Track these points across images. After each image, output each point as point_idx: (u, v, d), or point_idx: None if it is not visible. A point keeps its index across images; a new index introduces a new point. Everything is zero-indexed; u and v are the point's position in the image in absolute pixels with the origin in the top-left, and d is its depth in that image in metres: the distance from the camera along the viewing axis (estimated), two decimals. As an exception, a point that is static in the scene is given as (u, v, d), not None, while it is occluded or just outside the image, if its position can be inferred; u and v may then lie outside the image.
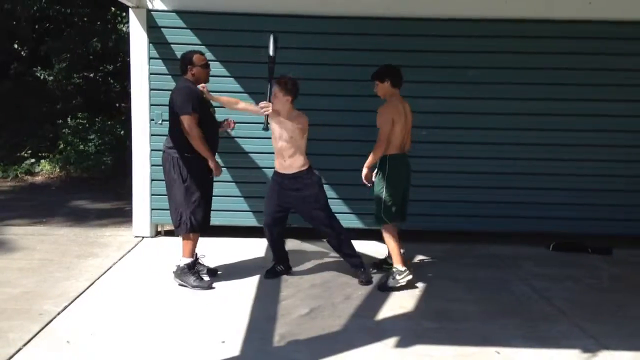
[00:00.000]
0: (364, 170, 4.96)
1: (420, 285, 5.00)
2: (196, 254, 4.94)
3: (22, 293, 4.53)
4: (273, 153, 5.99)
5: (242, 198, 6.26)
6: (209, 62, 5.49)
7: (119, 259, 5.45)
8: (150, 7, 5.94)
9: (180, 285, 4.74)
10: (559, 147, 6.29)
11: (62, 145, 10.64)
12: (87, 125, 11.00)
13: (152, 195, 6.15)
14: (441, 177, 6.31)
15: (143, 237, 6.18)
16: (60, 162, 10.33)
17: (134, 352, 3.60)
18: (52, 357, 3.52)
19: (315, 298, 4.62)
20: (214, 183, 4.97)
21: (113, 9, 10.25)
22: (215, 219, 6.07)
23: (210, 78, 5.83)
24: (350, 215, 6.29)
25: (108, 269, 5.16)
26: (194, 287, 4.68)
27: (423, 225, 6.36)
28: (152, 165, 6.11)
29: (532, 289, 4.99)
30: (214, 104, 4.94)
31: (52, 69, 11.69)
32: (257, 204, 6.15)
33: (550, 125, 6.26)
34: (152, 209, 6.17)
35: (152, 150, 6.09)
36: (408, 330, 4.06)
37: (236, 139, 6.11)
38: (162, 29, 5.98)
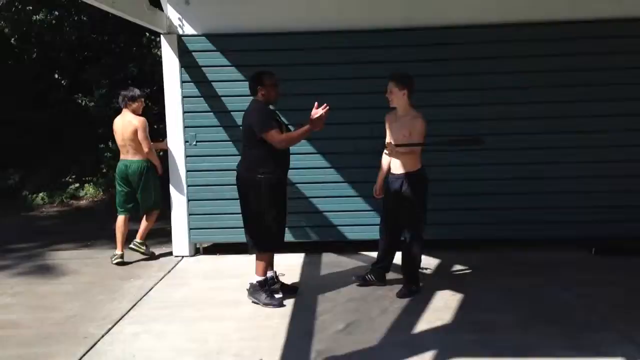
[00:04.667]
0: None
1: (456, 295, 4.96)
2: (275, 272, 5.06)
3: (67, 317, 4.68)
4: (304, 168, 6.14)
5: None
6: (238, 82, 5.67)
7: (160, 280, 5.57)
8: (180, 32, 6.09)
9: (253, 302, 4.84)
10: (597, 149, 6.17)
11: (104, 169, 10.93)
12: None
13: (190, 215, 6.27)
14: (473, 184, 6.25)
15: (183, 257, 6.30)
16: (103, 185, 10.61)
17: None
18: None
19: (352, 312, 4.64)
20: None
21: (148, 34, 10.51)
22: (236, 236, 6.25)
23: (241, 97, 6.04)
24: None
25: (149, 290, 5.28)
26: (265, 304, 4.78)
27: (457, 235, 6.33)
28: (188, 186, 6.24)
29: (573, 296, 4.89)
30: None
31: (93, 95, 12.03)
32: (289, 220, 6.20)
33: (587, 127, 6.14)
34: (190, 229, 6.29)
35: (187, 171, 6.23)
36: (446, 343, 4.02)
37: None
38: (192, 52, 6.11)
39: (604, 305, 4.65)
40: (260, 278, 4.85)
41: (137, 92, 6.24)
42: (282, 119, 5.04)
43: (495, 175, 6.23)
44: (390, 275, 5.31)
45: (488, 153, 6.14)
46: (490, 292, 5.05)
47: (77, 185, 10.84)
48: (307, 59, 6.13)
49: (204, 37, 6.10)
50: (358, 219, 6.24)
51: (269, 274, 5.00)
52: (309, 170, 6.23)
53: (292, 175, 6.12)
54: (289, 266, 5.82)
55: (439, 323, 4.40)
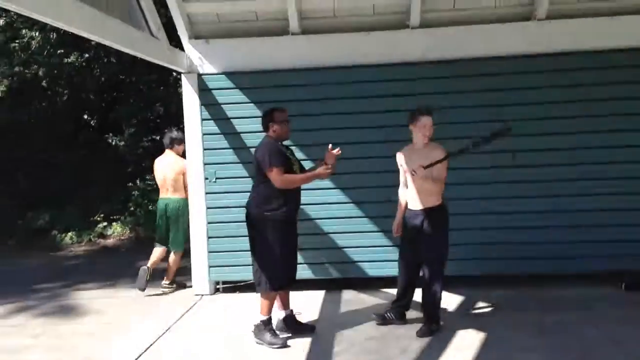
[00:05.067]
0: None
1: (481, 335, 4.79)
2: (292, 310, 5.00)
3: (85, 358, 4.65)
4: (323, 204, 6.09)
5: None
6: (257, 118, 5.67)
7: (178, 319, 5.52)
8: (200, 71, 6.16)
9: (257, 343, 4.77)
10: (627, 180, 5.98)
11: (132, 207, 11.04)
12: (155, 186, 11.38)
13: (210, 252, 6.24)
14: (497, 218, 6.08)
15: (202, 295, 6.25)
16: (130, 224, 10.70)
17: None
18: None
19: (370, 353, 4.50)
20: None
21: (174, 73, 10.73)
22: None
23: (259, 134, 6.02)
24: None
25: (167, 330, 5.22)
26: (269, 344, 4.69)
27: (479, 270, 6.16)
28: (208, 223, 6.23)
29: (603, 333, 4.68)
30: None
31: (123, 134, 12.28)
32: (307, 256, 6.18)
33: (618, 157, 5.97)
34: (210, 266, 6.25)
35: (207, 208, 6.22)
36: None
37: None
38: (212, 90, 6.17)
39: (635, 344, 4.43)
40: (265, 317, 4.78)
41: (182, 135, 6.53)
42: (296, 155, 5.02)
43: (520, 208, 6.07)
44: (411, 314, 5.16)
45: (514, 186, 6.05)
46: (518, 329, 4.86)
47: (105, 224, 10.95)
48: (323, 94, 6.13)
49: (223, 75, 6.16)
50: (379, 255, 6.12)
51: (284, 312, 4.92)
52: (328, 205, 6.18)
53: (311, 210, 6.16)
54: (307, 304, 5.72)
55: (461, 363, 4.25)
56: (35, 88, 11.24)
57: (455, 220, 5.89)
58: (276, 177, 4.56)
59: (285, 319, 4.99)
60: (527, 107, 6.00)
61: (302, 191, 5.96)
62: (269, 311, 4.80)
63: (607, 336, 4.61)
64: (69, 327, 5.51)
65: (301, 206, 6.03)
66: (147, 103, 10.97)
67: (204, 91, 6.17)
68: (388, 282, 5.94)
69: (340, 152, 4.80)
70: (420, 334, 4.80)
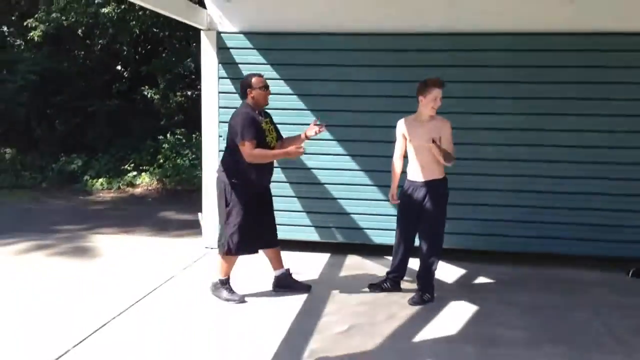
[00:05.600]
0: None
1: (473, 308, 4.83)
2: (288, 269, 5.11)
3: (86, 295, 4.89)
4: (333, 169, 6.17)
5: (304, 213, 6.35)
6: (273, 80, 5.74)
7: (182, 270, 5.71)
8: (220, 29, 6.22)
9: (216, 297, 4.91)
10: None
11: (161, 160, 11.33)
12: (184, 140, 11.64)
13: (220, 208, 6.39)
14: (512, 195, 6.06)
15: (212, 248, 6.42)
16: (158, 175, 10.99)
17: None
18: None
19: (358, 316, 4.61)
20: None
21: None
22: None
23: (275, 96, 6.09)
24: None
25: (168, 280, 5.41)
26: (226, 300, 4.82)
27: (490, 246, 6.17)
28: (220, 180, 6.37)
29: (595, 317, 4.67)
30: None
31: (158, 87, 12.51)
32: (318, 219, 6.29)
33: (628, 143, 5.86)
34: (220, 222, 6.41)
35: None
36: (443, 354, 3.96)
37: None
38: (230, 49, 6.23)
39: (623, 329, 4.42)
40: (222, 278, 4.88)
41: None
42: (274, 123, 5.00)
43: (535, 187, 6.02)
44: (411, 285, 5.20)
45: (527, 164, 6.00)
46: (509, 306, 4.89)
47: (134, 173, 11.28)
48: (340, 60, 6.13)
49: (241, 35, 6.21)
50: (385, 224, 6.16)
51: (277, 272, 5.06)
52: (339, 171, 6.24)
53: (322, 175, 6.25)
54: (311, 265, 5.85)
55: (443, 333, 4.31)
56: (72, 36, 11.48)
57: (467, 195, 6.01)
58: (246, 150, 4.55)
59: (279, 278, 5.10)
60: (563, 85, 5.91)
61: (313, 155, 6.12)
62: (227, 272, 4.87)
63: (598, 321, 4.60)
64: (76, 269, 5.76)
65: (312, 170, 6.25)
66: (179, 58, 11.12)
67: (222, 49, 6.24)
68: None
69: (323, 129, 4.84)
70: (412, 302, 4.87)
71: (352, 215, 6.28)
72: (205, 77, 6.31)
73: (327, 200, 6.28)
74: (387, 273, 5.24)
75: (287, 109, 6.19)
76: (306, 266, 5.80)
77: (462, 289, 5.35)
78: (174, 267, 5.77)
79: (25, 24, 11.10)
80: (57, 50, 11.52)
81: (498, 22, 5.88)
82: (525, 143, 5.99)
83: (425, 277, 4.95)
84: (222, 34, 6.23)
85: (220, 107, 6.30)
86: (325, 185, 6.28)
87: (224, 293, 4.86)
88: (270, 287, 5.11)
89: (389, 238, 6.11)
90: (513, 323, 4.52)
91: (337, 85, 6.14)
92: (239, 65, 6.24)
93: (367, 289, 5.20)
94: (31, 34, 10.99)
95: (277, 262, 5.09)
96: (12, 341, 4.02)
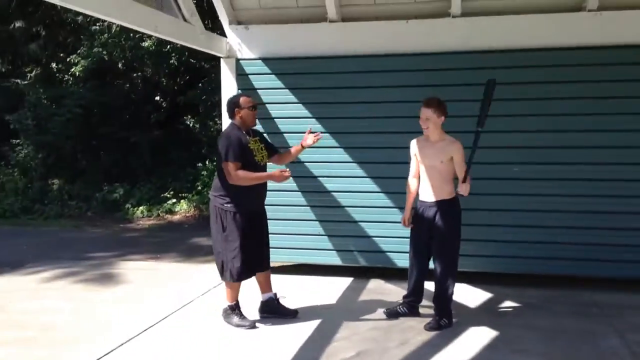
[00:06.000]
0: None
1: (492, 334, 4.63)
2: (275, 294, 5.06)
3: (105, 322, 4.95)
4: (354, 192, 6.10)
5: (326, 237, 6.28)
6: (291, 104, 5.81)
7: (201, 295, 5.70)
8: (239, 56, 6.30)
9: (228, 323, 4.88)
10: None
11: (199, 186, 11.50)
12: (221, 167, 11.77)
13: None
14: (542, 216, 5.82)
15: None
16: (195, 202, 11.15)
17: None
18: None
19: (370, 341, 4.48)
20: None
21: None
22: (298, 257, 6.33)
23: (292, 119, 6.13)
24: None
25: (185, 305, 5.41)
26: (237, 325, 4.78)
27: (519, 269, 5.95)
28: (242, 205, 6.39)
29: (623, 344, 4.40)
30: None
31: (198, 116, 12.78)
32: (340, 243, 6.21)
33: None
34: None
35: (242, 190, 6.38)
36: (450, 381, 3.80)
37: (319, 177, 6.21)
38: (249, 75, 6.29)
39: (651, 357, 4.15)
40: (230, 304, 4.85)
41: None
42: (265, 142, 4.97)
43: (566, 207, 5.78)
44: (429, 310, 5.03)
45: (559, 183, 5.78)
46: (532, 331, 4.67)
47: (174, 200, 11.48)
48: (359, 82, 6.09)
49: (259, 61, 6.26)
50: (408, 247, 6.03)
51: (265, 295, 5.01)
52: (360, 193, 6.16)
53: (342, 198, 6.18)
54: (330, 289, 5.77)
55: (454, 360, 4.15)
56: (113, 70, 11.88)
57: (491, 217, 5.86)
58: (229, 171, 4.50)
59: (265, 302, 5.02)
60: (575, 101, 5.71)
61: (333, 178, 6.08)
62: (234, 298, 4.84)
63: (626, 349, 4.33)
64: (99, 294, 5.86)
65: (333, 193, 6.20)
66: (217, 86, 11.32)
67: (241, 76, 6.30)
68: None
69: (320, 136, 4.85)
70: (428, 327, 4.72)
71: (374, 238, 6.17)
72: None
73: (348, 224, 6.20)
74: (403, 297, 5.10)
75: (304, 132, 6.16)
76: (325, 290, 5.74)
77: (485, 314, 5.15)
78: (194, 292, 5.78)
79: (68, 59, 11.58)
80: (100, 84, 11.93)
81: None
82: (560, 161, 5.78)
83: (441, 301, 4.79)
84: (240, 61, 6.30)
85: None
86: (346, 208, 6.20)
87: (235, 319, 4.83)
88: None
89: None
90: (532, 349, 4.32)
91: (356, 107, 6.09)
92: (258, 91, 6.28)
93: (383, 315, 5.08)
94: (73, 69, 11.45)
95: (266, 286, 5.02)
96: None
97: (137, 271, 6.72)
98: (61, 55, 12.09)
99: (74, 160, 12.48)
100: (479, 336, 4.57)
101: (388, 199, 6.13)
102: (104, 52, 11.10)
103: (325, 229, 6.28)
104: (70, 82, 12.55)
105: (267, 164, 4.93)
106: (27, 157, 12.25)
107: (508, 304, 5.44)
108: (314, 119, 6.19)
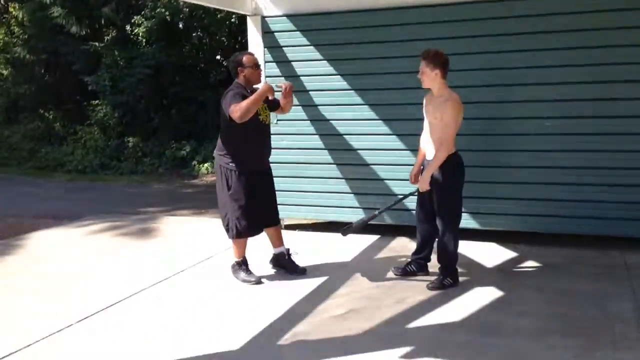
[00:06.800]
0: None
1: (496, 294, 4.52)
2: (288, 249, 5.16)
3: (120, 271, 5.27)
4: (381, 149, 6.01)
5: (352, 194, 6.28)
6: (316, 61, 5.97)
7: (224, 250, 5.84)
8: (264, 13, 6.30)
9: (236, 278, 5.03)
10: None
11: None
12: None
13: (272, 190, 6.51)
14: (566, 173, 5.54)
15: (264, 230, 6.57)
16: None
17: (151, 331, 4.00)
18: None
19: (365, 299, 4.50)
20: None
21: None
22: (324, 215, 6.38)
23: (318, 77, 6.09)
24: (465, 214, 5.89)
25: (204, 260, 5.62)
26: (243, 281, 4.92)
27: (551, 228, 5.71)
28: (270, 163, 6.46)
29: (634, 308, 4.16)
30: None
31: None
32: (366, 201, 6.18)
33: None
34: (272, 204, 6.53)
35: (269, 148, 6.47)
36: (431, 341, 3.77)
37: (344, 135, 6.18)
38: (274, 33, 6.29)
39: (657, 323, 3.90)
40: (237, 259, 4.97)
41: None
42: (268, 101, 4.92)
43: (605, 163, 5.44)
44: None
45: (594, 138, 5.45)
46: (540, 293, 4.51)
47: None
48: (382, 37, 5.93)
49: (285, 17, 6.23)
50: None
51: (279, 249, 5.10)
52: (385, 152, 6.08)
53: (368, 155, 6.12)
54: (352, 246, 5.79)
55: (446, 320, 4.09)
56: (175, 30, 12.20)
57: (521, 174, 5.62)
58: (233, 113, 4.47)
59: (276, 256, 5.14)
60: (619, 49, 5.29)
61: (359, 136, 6.02)
62: (240, 254, 4.96)
63: (632, 311, 4.09)
64: (129, 247, 6.22)
65: (359, 150, 6.15)
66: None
67: (267, 33, 6.31)
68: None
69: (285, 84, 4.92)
70: (431, 286, 4.66)
71: (400, 196, 6.08)
72: (253, 62, 6.42)
73: (374, 181, 6.15)
74: (412, 254, 5.05)
75: (329, 90, 6.15)
76: (345, 248, 5.75)
77: (498, 274, 5.01)
78: (218, 247, 5.98)
79: (132, 20, 12.03)
80: (167, 45, 12.30)
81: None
82: (589, 115, 5.44)
83: (443, 258, 4.71)
84: (266, 18, 6.30)
85: (266, 90, 6.39)
86: (372, 166, 6.15)
87: (241, 274, 4.98)
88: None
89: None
90: (533, 312, 4.17)
91: (381, 63, 5.95)
92: (283, 48, 6.28)
93: (392, 273, 5.05)
94: (136, 30, 11.89)
95: (277, 240, 5.12)
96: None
97: (175, 225, 7.04)
98: (133, 18, 12.52)
99: (147, 119, 13.04)
100: (482, 297, 4.46)
101: (414, 155, 5.99)
102: (167, 13, 11.41)
103: (351, 187, 6.27)
104: (144, 44, 13.01)
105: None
106: (106, 117, 12.93)
107: (528, 263, 5.26)
108: (339, 76, 6.12)
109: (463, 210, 5.75)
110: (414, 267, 4.99)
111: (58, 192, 9.92)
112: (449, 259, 4.70)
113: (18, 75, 15.07)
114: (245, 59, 4.81)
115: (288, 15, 6.23)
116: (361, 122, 6.13)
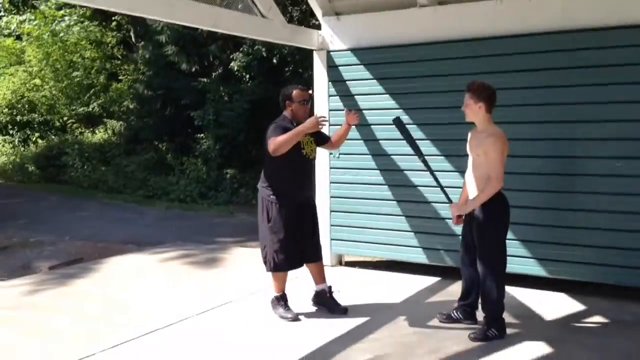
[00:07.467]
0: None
1: (544, 350, 4.11)
2: (330, 287, 5.03)
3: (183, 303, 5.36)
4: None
5: (412, 233, 6.01)
6: (379, 95, 5.96)
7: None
8: (330, 47, 6.28)
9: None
10: None
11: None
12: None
13: (332, 225, 6.40)
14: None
15: (325, 266, 6.42)
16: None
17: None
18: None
19: (398, 345, 4.24)
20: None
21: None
22: (383, 253, 6.16)
23: (381, 111, 5.97)
24: (531, 260, 5.44)
25: (255, 292, 5.56)
26: (281, 317, 4.82)
27: (628, 281, 5.14)
28: (331, 197, 6.39)
29: None
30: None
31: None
32: (427, 240, 5.90)
33: None
34: (332, 239, 6.41)
35: (331, 182, 6.38)
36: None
37: (405, 171, 5.96)
38: (339, 67, 6.24)
39: None
40: (276, 294, 4.87)
41: None
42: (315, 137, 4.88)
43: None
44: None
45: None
46: (592, 354, 4.02)
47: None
48: (449, 70, 5.69)
49: (349, 52, 6.17)
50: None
51: (321, 287, 4.95)
52: (446, 189, 5.76)
53: (428, 192, 5.87)
54: (407, 287, 5.55)
55: (476, 376, 3.75)
56: (270, 67, 12.51)
57: (591, 218, 5.15)
58: (269, 144, 4.48)
59: (318, 294, 5.01)
60: None
61: (420, 172, 5.78)
62: (280, 289, 4.86)
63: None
64: (193, 275, 6.33)
65: (419, 187, 5.91)
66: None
67: (332, 67, 6.28)
68: (515, 278, 5.39)
69: (357, 114, 4.93)
70: (473, 336, 4.30)
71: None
72: (318, 96, 6.41)
73: (434, 220, 5.86)
74: (458, 300, 4.70)
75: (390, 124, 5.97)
76: (399, 288, 5.51)
77: (554, 328, 4.56)
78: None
79: (231, 56, 12.52)
80: (265, 80, 12.67)
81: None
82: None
83: (487, 307, 4.33)
84: (331, 53, 6.28)
85: (330, 125, 6.31)
86: (433, 204, 5.86)
87: (280, 310, 4.88)
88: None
89: (509, 265, 5.46)
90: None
91: (449, 96, 5.68)
92: (347, 82, 6.22)
93: (436, 319, 4.73)
94: (231, 64, 12.39)
95: (318, 277, 4.99)
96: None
97: (242, 256, 7.10)
98: (232, 54, 13.05)
99: (245, 151, 13.41)
100: (527, 353, 4.06)
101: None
102: (263, 50, 11.77)
103: (411, 225, 6.02)
104: (247, 79, 13.49)
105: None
106: (208, 149, 13.48)
107: (594, 319, 4.74)
108: (401, 110, 5.94)
109: (531, 255, 5.39)
110: (460, 314, 4.64)
111: (153, 219, 10.40)
112: (493, 308, 4.31)
113: (141, 109, 16.17)
114: (295, 93, 4.79)
115: (352, 49, 6.17)
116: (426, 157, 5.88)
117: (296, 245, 4.78)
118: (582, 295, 5.18)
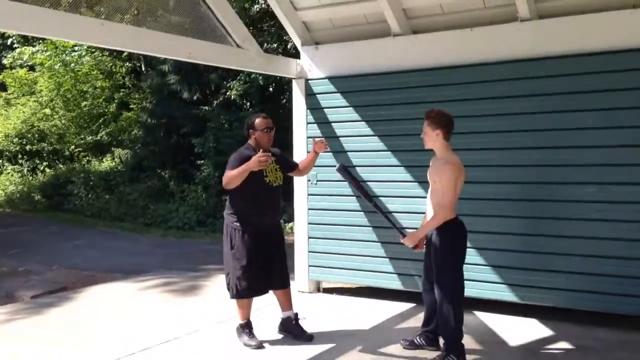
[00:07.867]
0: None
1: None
2: (296, 314, 5.04)
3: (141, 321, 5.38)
4: (414, 213, 5.75)
5: (387, 259, 6.01)
6: (356, 122, 5.99)
7: (254, 310, 5.75)
8: (308, 76, 6.38)
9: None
10: None
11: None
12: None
13: (310, 252, 6.42)
14: (629, 245, 4.95)
15: (303, 292, 6.45)
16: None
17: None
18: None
19: (359, 373, 4.23)
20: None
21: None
22: (357, 279, 6.17)
23: (358, 137, 6.03)
24: (501, 286, 5.42)
25: (226, 320, 5.50)
26: (245, 344, 4.82)
27: (591, 305, 5.12)
28: (309, 224, 6.42)
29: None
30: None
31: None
32: (402, 266, 5.91)
33: None
34: (310, 266, 6.43)
35: (309, 209, 6.43)
36: None
37: (381, 197, 5.98)
38: (317, 95, 6.33)
39: None
40: (242, 322, 4.88)
41: None
42: (279, 164, 4.94)
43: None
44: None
45: (633, 207, 4.87)
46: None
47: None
48: (424, 97, 5.75)
49: (326, 80, 6.26)
50: (472, 273, 5.47)
51: (287, 314, 4.95)
52: (420, 215, 5.71)
53: (404, 219, 5.85)
54: (377, 314, 5.55)
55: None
56: (267, 95, 12.70)
57: (567, 244, 5.15)
58: (223, 179, 4.62)
59: (283, 321, 5.01)
60: None
61: (394, 198, 5.81)
62: (244, 316, 4.87)
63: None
64: (171, 303, 6.35)
65: (394, 213, 5.92)
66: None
67: (310, 95, 6.37)
68: (484, 304, 5.45)
69: (325, 142, 4.94)
70: (435, 364, 4.29)
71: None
72: (296, 123, 6.50)
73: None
74: (421, 326, 4.69)
75: (369, 151, 6.04)
76: (369, 315, 5.51)
77: (520, 355, 4.52)
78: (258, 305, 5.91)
79: (228, 85, 12.74)
80: (262, 109, 12.83)
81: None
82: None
83: (444, 333, 4.32)
84: (309, 81, 6.38)
85: (308, 152, 6.39)
86: (408, 230, 5.84)
87: (244, 337, 4.89)
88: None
89: (479, 291, 5.48)
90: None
91: (415, 124, 5.73)
92: (324, 110, 6.30)
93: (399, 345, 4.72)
94: (228, 93, 12.60)
95: (285, 304, 4.98)
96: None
97: (222, 284, 6.96)
98: (229, 83, 13.25)
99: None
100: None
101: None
102: (260, 78, 11.96)
103: (386, 251, 6.02)
104: (248, 107, 13.67)
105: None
106: (208, 176, 13.61)
107: (560, 344, 4.72)
108: (376, 137, 6.01)
109: (502, 281, 5.38)
110: (422, 341, 4.63)
111: (145, 248, 10.47)
112: (451, 334, 4.29)
113: (147, 137, 16.40)
114: (257, 121, 4.87)
115: (330, 78, 6.27)
116: (397, 184, 5.95)
117: (259, 272, 4.78)
118: (553, 320, 5.16)
